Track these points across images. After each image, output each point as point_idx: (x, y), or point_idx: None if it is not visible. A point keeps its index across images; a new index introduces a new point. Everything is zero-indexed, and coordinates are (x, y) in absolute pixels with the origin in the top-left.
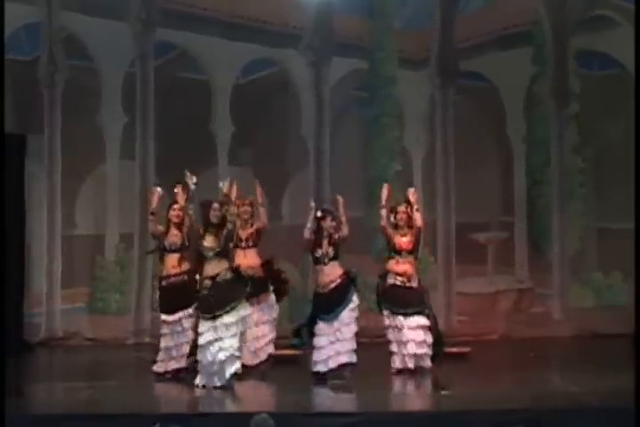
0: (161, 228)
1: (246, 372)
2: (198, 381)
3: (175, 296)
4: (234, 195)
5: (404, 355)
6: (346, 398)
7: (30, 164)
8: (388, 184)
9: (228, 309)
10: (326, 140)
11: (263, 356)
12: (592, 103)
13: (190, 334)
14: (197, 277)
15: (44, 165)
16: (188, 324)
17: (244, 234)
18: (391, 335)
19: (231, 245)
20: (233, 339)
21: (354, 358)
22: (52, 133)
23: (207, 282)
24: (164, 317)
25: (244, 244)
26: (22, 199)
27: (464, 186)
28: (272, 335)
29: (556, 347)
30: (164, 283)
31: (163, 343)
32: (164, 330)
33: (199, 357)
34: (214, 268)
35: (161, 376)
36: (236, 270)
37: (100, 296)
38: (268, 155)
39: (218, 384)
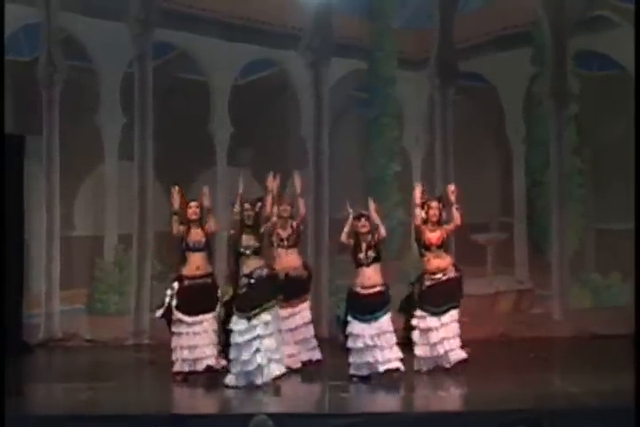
0: (182, 227)
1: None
2: (229, 380)
3: (198, 298)
4: (275, 190)
5: (434, 356)
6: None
7: (29, 164)
8: (420, 183)
9: (264, 307)
10: (325, 141)
11: (304, 357)
12: (591, 104)
13: (212, 337)
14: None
15: (42, 165)
16: (210, 326)
17: (284, 233)
18: (418, 338)
19: (274, 244)
20: (271, 338)
21: (400, 365)
22: (50, 134)
23: (244, 280)
24: (180, 316)
25: (285, 243)
26: (21, 200)
27: (463, 186)
28: (311, 337)
29: (555, 348)
30: (186, 282)
31: (174, 343)
32: (179, 329)
33: (232, 355)
34: (251, 265)
35: (177, 376)
36: (270, 269)
37: (99, 297)
38: (267, 155)
39: (258, 383)
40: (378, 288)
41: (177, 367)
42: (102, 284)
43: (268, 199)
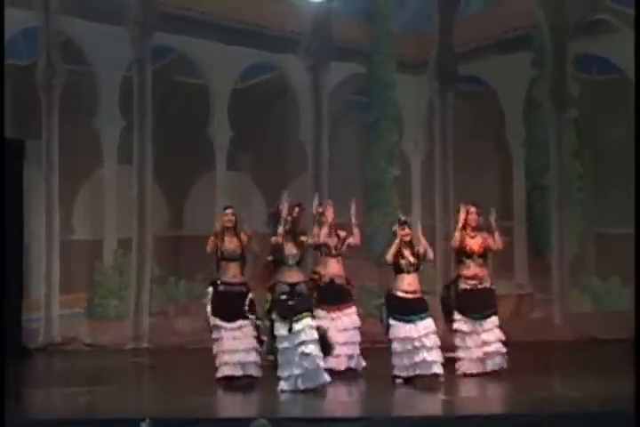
0: (217, 235)
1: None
2: (280, 385)
3: (234, 304)
4: (330, 216)
5: (475, 359)
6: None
7: (29, 168)
8: (466, 207)
9: (307, 313)
10: (325, 144)
11: (347, 363)
12: (591, 107)
13: (252, 342)
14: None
15: (42, 169)
16: (250, 332)
17: (332, 242)
18: (460, 341)
19: (321, 253)
20: (315, 343)
21: (440, 370)
22: (49, 137)
23: (285, 287)
24: (218, 322)
25: (333, 252)
26: (21, 204)
27: (463, 189)
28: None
29: (555, 352)
30: (221, 288)
31: (215, 349)
32: (219, 335)
33: (280, 360)
34: (293, 275)
35: (221, 382)
36: (313, 280)
37: (99, 301)
38: (266, 159)
39: (302, 388)
40: (418, 295)
41: (220, 373)
42: (102, 288)
43: (324, 230)
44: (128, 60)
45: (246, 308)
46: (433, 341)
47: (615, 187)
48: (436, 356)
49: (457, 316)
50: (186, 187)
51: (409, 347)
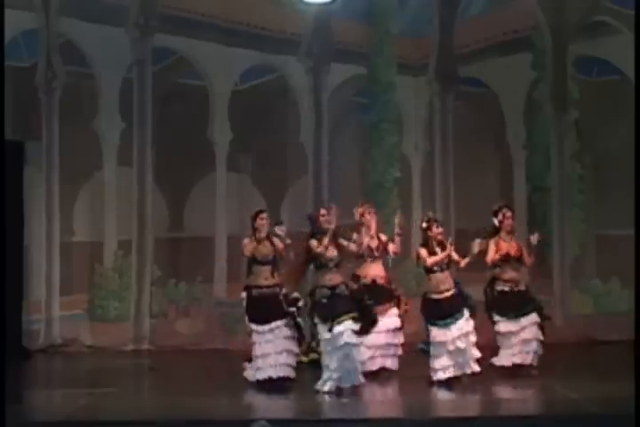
0: (249, 240)
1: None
2: (319, 386)
3: (267, 307)
4: (373, 222)
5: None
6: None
7: (29, 170)
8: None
9: (349, 315)
10: (325, 146)
11: (381, 363)
12: (591, 109)
13: (284, 344)
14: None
15: (42, 171)
16: (282, 333)
17: (373, 244)
18: (501, 341)
19: (364, 255)
20: (358, 347)
21: (476, 368)
22: (49, 140)
23: (325, 291)
24: (254, 326)
25: (375, 254)
26: (21, 206)
27: (463, 192)
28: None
29: (556, 353)
30: (254, 292)
31: (253, 352)
32: (254, 339)
33: (325, 361)
34: (333, 278)
35: (260, 384)
36: (357, 281)
37: (99, 303)
38: (266, 161)
39: (345, 387)
40: (452, 291)
41: (258, 375)
42: (102, 290)
43: (365, 238)
44: (128, 62)
45: (285, 306)
46: (467, 342)
47: (616, 188)
48: (469, 356)
49: (495, 317)
50: (186, 189)
51: (443, 351)
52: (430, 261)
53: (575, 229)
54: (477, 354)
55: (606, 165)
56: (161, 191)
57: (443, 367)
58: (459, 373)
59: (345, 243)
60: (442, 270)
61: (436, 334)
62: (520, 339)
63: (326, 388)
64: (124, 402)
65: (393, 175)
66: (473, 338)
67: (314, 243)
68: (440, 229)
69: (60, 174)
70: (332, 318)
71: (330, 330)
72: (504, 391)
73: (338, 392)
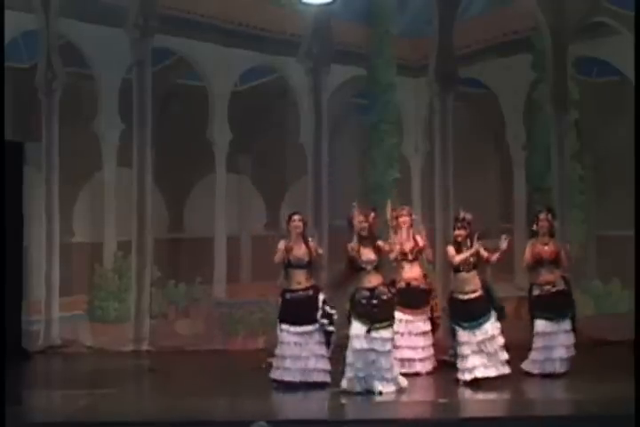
0: (285, 243)
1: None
2: (343, 384)
3: (299, 310)
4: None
5: (540, 361)
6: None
7: (28, 171)
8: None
9: (384, 324)
10: (325, 147)
11: (419, 366)
12: (591, 110)
13: (314, 349)
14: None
15: (42, 172)
16: (311, 338)
17: (407, 246)
18: (539, 342)
19: (395, 257)
20: (387, 357)
21: (506, 370)
22: (49, 141)
23: (365, 293)
24: (284, 326)
25: (409, 256)
26: (20, 206)
27: (463, 192)
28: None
29: None
30: (287, 296)
31: (278, 351)
32: (283, 339)
33: (348, 360)
34: (372, 280)
35: (276, 384)
36: (393, 286)
37: (99, 304)
38: (266, 162)
39: (359, 390)
40: (478, 293)
41: (279, 376)
42: (102, 290)
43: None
44: (128, 63)
45: (319, 311)
46: (493, 345)
47: (616, 189)
48: (498, 358)
49: (536, 320)
50: (185, 189)
51: (467, 352)
52: (457, 258)
53: (575, 230)
54: (505, 356)
55: (607, 165)
56: (161, 192)
57: (468, 368)
58: (488, 373)
59: (382, 245)
60: (468, 271)
61: (462, 334)
62: (556, 343)
63: (358, 388)
64: (123, 403)
65: (393, 176)
66: (501, 340)
67: (349, 246)
68: (459, 232)
69: (60, 175)
70: (370, 321)
71: (368, 331)
72: (506, 393)
73: (356, 393)
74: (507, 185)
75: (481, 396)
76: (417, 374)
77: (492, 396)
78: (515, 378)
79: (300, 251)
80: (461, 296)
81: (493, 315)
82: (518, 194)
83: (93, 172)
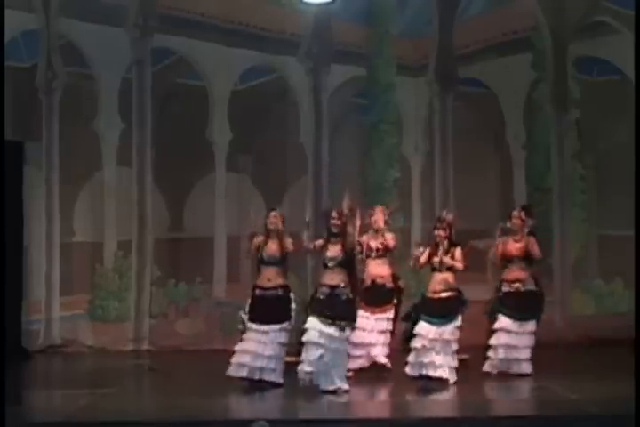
0: (259, 238)
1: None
2: (298, 373)
3: (266, 308)
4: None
5: (499, 359)
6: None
7: (28, 171)
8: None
9: (337, 323)
10: (325, 147)
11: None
12: (592, 109)
13: (276, 351)
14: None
15: (42, 171)
16: (276, 339)
17: (374, 244)
18: (494, 340)
19: (362, 255)
20: (335, 353)
21: (447, 375)
22: (49, 140)
23: (325, 289)
24: (249, 324)
25: (374, 254)
26: (21, 206)
27: (463, 192)
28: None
29: (556, 354)
30: (257, 292)
31: (237, 347)
32: (246, 335)
33: (304, 355)
34: (334, 278)
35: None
36: (353, 286)
37: (99, 304)
38: (266, 162)
39: (326, 388)
40: (449, 293)
41: (238, 372)
42: (102, 290)
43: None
44: (128, 63)
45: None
46: (444, 347)
47: (617, 188)
48: (445, 360)
49: (499, 316)
50: (185, 189)
51: (418, 345)
52: (421, 261)
53: (576, 230)
54: (455, 363)
55: (607, 164)
56: (161, 192)
57: (414, 363)
58: (430, 373)
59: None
60: (440, 271)
61: (422, 326)
62: (514, 343)
63: (301, 375)
64: (123, 402)
65: (392, 176)
66: (454, 347)
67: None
68: (438, 232)
69: (60, 175)
70: (324, 318)
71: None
72: (502, 391)
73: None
74: (507, 185)
75: (473, 395)
76: (375, 364)
77: (490, 396)
78: (505, 378)
79: (271, 248)
80: (432, 295)
81: (457, 321)
82: (518, 194)
83: (93, 171)
